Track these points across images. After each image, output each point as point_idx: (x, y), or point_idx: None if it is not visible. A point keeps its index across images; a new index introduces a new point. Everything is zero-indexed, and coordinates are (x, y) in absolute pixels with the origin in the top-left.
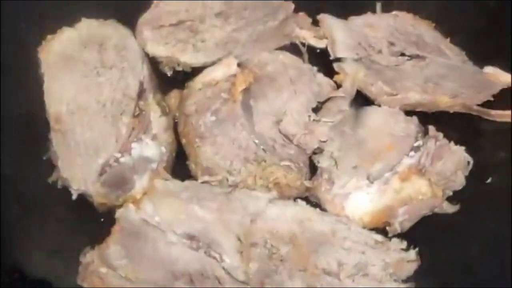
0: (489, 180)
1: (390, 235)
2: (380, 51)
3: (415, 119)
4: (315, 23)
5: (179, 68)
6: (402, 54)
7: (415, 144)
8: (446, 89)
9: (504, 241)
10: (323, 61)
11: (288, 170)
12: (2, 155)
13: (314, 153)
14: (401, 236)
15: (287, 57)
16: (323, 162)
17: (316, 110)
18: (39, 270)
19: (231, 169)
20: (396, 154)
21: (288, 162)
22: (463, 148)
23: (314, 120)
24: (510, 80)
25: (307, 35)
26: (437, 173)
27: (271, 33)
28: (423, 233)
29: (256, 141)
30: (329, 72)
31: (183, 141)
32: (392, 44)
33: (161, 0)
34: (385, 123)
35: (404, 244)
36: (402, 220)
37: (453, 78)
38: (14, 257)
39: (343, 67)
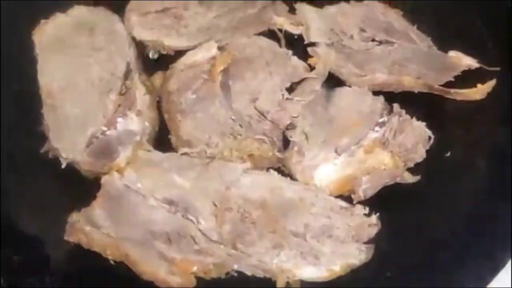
0: (448, 154)
1: (354, 202)
2: (351, 37)
3: (381, 98)
4: (292, 11)
5: (164, 52)
6: (373, 40)
7: (380, 120)
8: (411, 71)
9: (457, 208)
10: (298, 46)
11: (262, 143)
12: (1, 128)
13: (287, 128)
14: (364, 203)
15: (264, 42)
16: (295, 136)
17: (290, 90)
18: (31, 228)
19: (209, 142)
20: (362, 129)
21: (262, 136)
22: (424, 123)
23: (287, 98)
24: (470, 62)
25: (284, 22)
26: (399, 145)
27: (250, 20)
28: (385, 201)
29: (233, 117)
30: (304, 56)
31: (166, 116)
32: (363, 30)
33: None
34: (353, 102)
35: (366, 210)
36: (365, 187)
37: (418, 61)
38: (7, 217)
39: (317, 51)
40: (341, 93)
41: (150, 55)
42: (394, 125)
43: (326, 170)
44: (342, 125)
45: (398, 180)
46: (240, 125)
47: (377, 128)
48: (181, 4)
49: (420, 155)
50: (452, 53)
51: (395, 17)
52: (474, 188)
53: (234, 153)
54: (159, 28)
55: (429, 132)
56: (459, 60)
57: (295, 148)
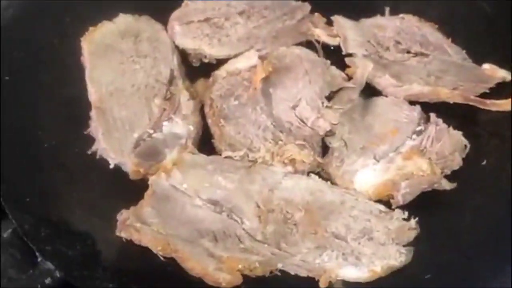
0: (484, 163)
1: (393, 207)
2: (387, 48)
3: (418, 107)
4: (329, 23)
5: (206, 60)
6: (408, 52)
7: (417, 129)
8: (447, 82)
9: (492, 213)
10: (336, 57)
11: (303, 148)
12: (51, 131)
13: (326, 135)
14: (403, 207)
15: (303, 51)
16: (334, 143)
17: (329, 98)
18: (82, 225)
19: (251, 146)
20: (400, 137)
21: (303, 142)
22: (460, 132)
23: (326, 106)
24: (504, 75)
25: (321, 34)
26: (437, 153)
27: (289, 31)
28: (423, 206)
29: (274, 123)
30: (342, 66)
31: (209, 121)
32: (398, 42)
33: (190, 0)
34: (390, 111)
35: (405, 214)
36: (404, 193)
37: (453, 73)
38: (60, 214)
39: (354, 61)
40: (377, 102)
41: (193, 63)
42: (432, 134)
43: (365, 175)
44: (379, 133)
45: (436, 186)
46: (281, 131)
47: (414, 136)
48: (223, 14)
49: (457, 163)
50: (487, 66)
51: (430, 30)
52: (508, 195)
53: (276, 157)
54: (201, 37)
55: (465, 141)
56: (493, 72)
57: (335, 154)
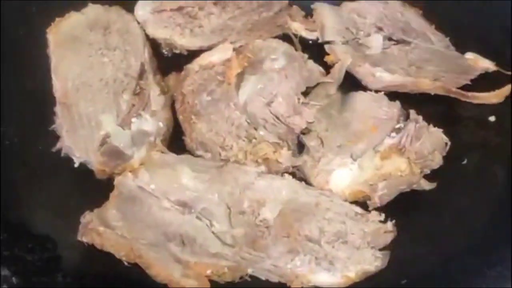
0: (464, 162)
1: (370, 208)
2: (368, 35)
3: (397, 103)
4: (308, 15)
5: (177, 51)
6: (390, 39)
7: (397, 126)
8: (428, 73)
9: (474, 215)
10: (314, 51)
11: (277, 147)
12: (13, 126)
13: (302, 133)
14: (380, 209)
15: (279, 45)
16: (310, 141)
17: (305, 94)
18: (43, 228)
19: (223, 145)
20: (378, 135)
21: (277, 140)
22: (441, 130)
23: (303, 102)
24: (488, 65)
25: (299, 27)
26: (416, 152)
27: (265, 23)
28: (401, 208)
29: (248, 120)
30: (320, 60)
31: (180, 118)
32: (380, 29)
33: None
34: (369, 107)
35: (382, 217)
36: (381, 194)
37: (435, 62)
38: (20, 216)
39: (334, 48)
40: (356, 97)
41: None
42: (411, 132)
43: (342, 175)
44: (357, 130)
45: (415, 187)
46: (255, 128)
47: (393, 134)
48: (196, 4)
49: (437, 162)
50: (470, 55)
51: (413, 16)
52: (490, 196)
53: (249, 156)
54: (173, 26)
55: (446, 139)
56: (476, 62)
57: (310, 153)
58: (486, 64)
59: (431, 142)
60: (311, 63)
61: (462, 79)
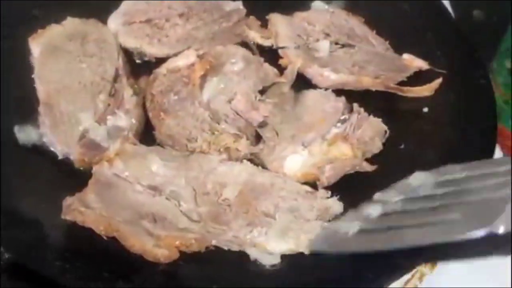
0: (401, 146)
1: (319, 187)
2: (317, 40)
3: (343, 98)
4: (263, 25)
5: (146, 58)
6: (336, 43)
7: (342, 118)
8: (370, 72)
9: None
10: (269, 55)
11: (237, 137)
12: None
13: (260, 126)
14: (328, 188)
15: (238, 50)
16: (266, 132)
17: (262, 92)
18: (31, 212)
19: (189, 137)
20: (326, 126)
21: (237, 132)
22: (380, 119)
23: (259, 99)
24: (421, 64)
25: (255, 36)
26: (358, 139)
27: (225, 33)
28: (346, 187)
29: (211, 115)
30: (274, 64)
31: (150, 115)
32: (328, 35)
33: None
34: (318, 102)
35: (329, 194)
36: (328, 175)
37: (376, 63)
38: (11, 202)
39: (287, 52)
40: (307, 95)
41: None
42: (354, 122)
43: (294, 160)
44: (308, 122)
45: (358, 168)
46: (218, 123)
47: (339, 124)
48: (163, 16)
49: (376, 147)
50: (406, 56)
51: (357, 24)
52: None
53: (212, 146)
54: (142, 37)
55: (385, 127)
56: (411, 62)
57: (267, 142)
58: (420, 63)
59: (371, 130)
60: (266, 65)
61: (399, 77)
